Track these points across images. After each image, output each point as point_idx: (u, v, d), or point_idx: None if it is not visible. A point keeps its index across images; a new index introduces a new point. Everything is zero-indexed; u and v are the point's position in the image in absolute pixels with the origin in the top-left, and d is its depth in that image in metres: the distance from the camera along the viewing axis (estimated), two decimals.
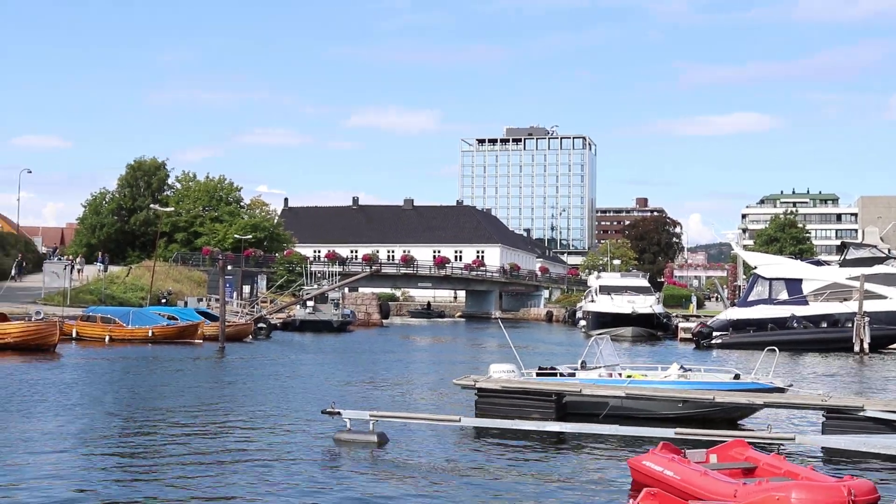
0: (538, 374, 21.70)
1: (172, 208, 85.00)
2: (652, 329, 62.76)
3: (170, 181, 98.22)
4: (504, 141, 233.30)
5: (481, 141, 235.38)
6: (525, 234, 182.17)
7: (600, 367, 22.13)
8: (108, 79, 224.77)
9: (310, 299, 65.82)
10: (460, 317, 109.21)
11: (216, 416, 20.41)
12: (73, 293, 55.12)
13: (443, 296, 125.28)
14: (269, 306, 66.74)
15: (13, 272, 61.25)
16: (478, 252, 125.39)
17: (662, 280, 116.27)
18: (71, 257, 73.85)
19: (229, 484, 13.50)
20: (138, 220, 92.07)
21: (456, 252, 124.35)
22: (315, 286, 71.17)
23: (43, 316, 39.95)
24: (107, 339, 43.00)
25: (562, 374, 21.68)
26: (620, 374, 21.88)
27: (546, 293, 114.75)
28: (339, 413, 17.22)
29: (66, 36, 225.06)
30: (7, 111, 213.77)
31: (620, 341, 49.80)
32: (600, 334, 26.50)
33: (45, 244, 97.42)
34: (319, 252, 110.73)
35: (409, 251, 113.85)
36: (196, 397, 23.83)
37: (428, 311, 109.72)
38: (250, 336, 50.99)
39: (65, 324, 42.11)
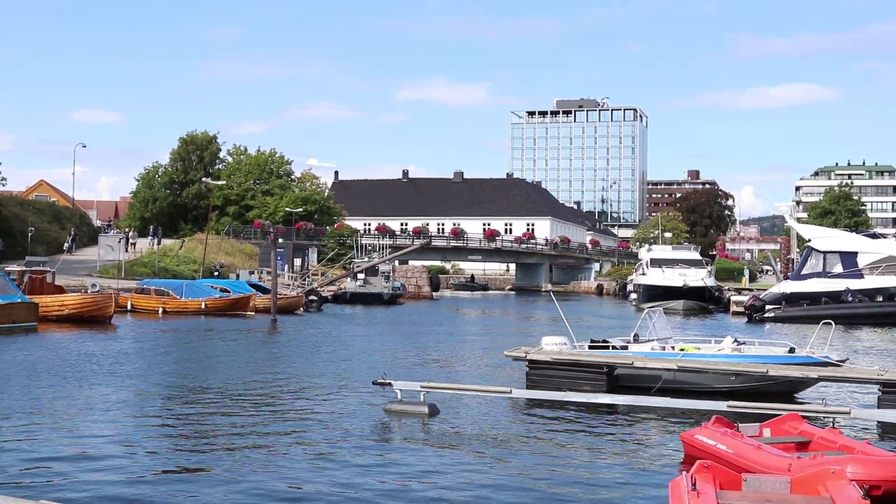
0: (590, 347, 21.63)
1: (224, 182, 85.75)
2: (703, 302, 62.25)
3: (221, 155, 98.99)
4: (554, 113, 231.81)
5: (531, 113, 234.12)
6: (575, 206, 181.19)
7: (653, 341, 21.99)
8: (159, 53, 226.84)
9: (360, 272, 66.19)
10: (510, 290, 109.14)
11: (268, 388, 20.62)
12: (128, 266, 55.92)
13: (493, 269, 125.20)
14: (320, 279, 67.20)
15: (67, 245, 61.99)
16: (528, 225, 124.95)
17: (714, 253, 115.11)
18: (126, 230, 74.70)
19: (282, 454, 13.65)
20: (190, 194, 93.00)
21: (506, 225, 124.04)
22: (365, 259, 71.52)
23: (98, 288, 40.68)
24: (160, 311, 43.61)
25: (614, 347, 21.59)
26: (673, 348, 21.74)
27: (596, 266, 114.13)
28: (389, 384, 17.30)
29: (118, 11, 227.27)
30: (62, 86, 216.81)
31: (672, 315, 49.48)
32: (652, 307, 26.33)
33: (99, 218, 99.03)
34: (370, 225, 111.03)
35: (458, 224, 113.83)
36: (248, 369, 24.09)
37: (471, 283, 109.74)
38: (301, 308, 51.42)
39: (120, 296, 42.79)
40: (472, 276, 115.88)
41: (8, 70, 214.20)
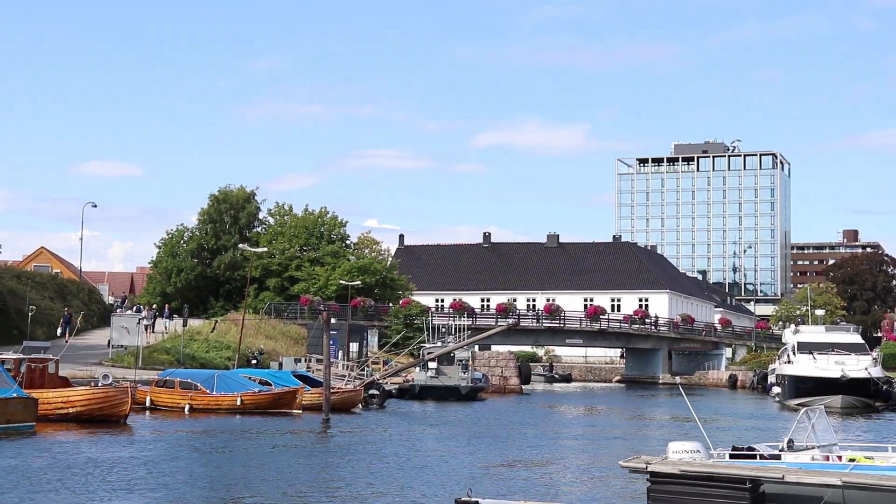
0: (732, 456, 21.04)
1: (264, 249, 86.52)
2: (868, 398, 60.85)
3: (260, 215, 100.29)
4: (672, 160, 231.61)
5: (643, 161, 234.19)
6: (700, 277, 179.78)
7: (813, 448, 21.33)
8: (184, 93, 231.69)
9: (432, 360, 65.98)
10: (619, 381, 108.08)
11: None
12: (146, 353, 56.50)
13: (596, 356, 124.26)
14: (382, 368, 67.14)
15: (60, 330, 61.46)
16: (640, 300, 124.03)
17: (880, 335, 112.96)
18: (151, 307, 75.47)
19: None
20: (223, 264, 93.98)
21: (613, 301, 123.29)
22: (438, 343, 71.30)
23: (111, 381, 40.94)
24: (186, 408, 43.78)
25: (762, 456, 20.97)
26: (840, 458, 21.04)
27: (728, 352, 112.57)
28: (476, 502, 17.01)
29: (133, 44, 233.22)
30: (68, 133, 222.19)
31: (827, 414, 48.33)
32: (801, 404, 25.64)
33: (111, 293, 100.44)
34: (443, 301, 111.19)
35: (553, 300, 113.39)
36: (294, 483, 23.91)
37: (548, 373, 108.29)
38: (360, 405, 51.28)
39: (137, 390, 43.08)
40: (551, 364, 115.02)
41: (4, 112, 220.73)
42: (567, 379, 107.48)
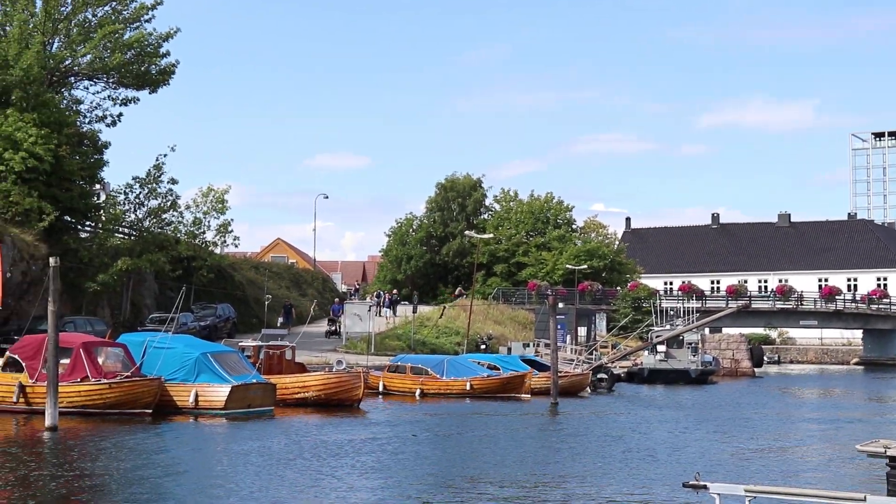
0: None
1: (491, 235, 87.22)
2: None
3: (487, 202, 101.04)
4: None
5: (878, 135, 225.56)
6: None
7: None
8: (409, 85, 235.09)
9: (661, 343, 65.38)
10: (857, 363, 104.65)
11: (548, 489, 20.50)
12: (379, 339, 57.74)
13: (832, 337, 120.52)
14: (610, 352, 66.87)
15: (281, 321, 62.43)
16: (879, 280, 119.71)
17: None
18: (391, 294, 76.92)
19: None
20: (451, 251, 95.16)
21: (849, 280, 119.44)
22: (667, 326, 70.60)
23: (345, 366, 42.05)
24: (417, 392, 44.63)
25: None
26: None
27: None
28: (704, 486, 16.71)
29: (358, 39, 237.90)
30: (300, 128, 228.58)
31: None
32: None
33: (344, 281, 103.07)
34: (671, 284, 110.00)
35: (786, 280, 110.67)
36: (523, 464, 24.08)
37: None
38: (588, 389, 51.24)
39: (370, 375, 44.11)
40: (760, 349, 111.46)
41: (239, 111, 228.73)
42: (776, 361, 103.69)
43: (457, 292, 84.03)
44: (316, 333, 59.81)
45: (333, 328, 62.36)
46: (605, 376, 55.07)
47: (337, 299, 71.09)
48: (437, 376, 45.83)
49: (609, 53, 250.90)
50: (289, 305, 64.25)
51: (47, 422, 27.62)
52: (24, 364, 32.63)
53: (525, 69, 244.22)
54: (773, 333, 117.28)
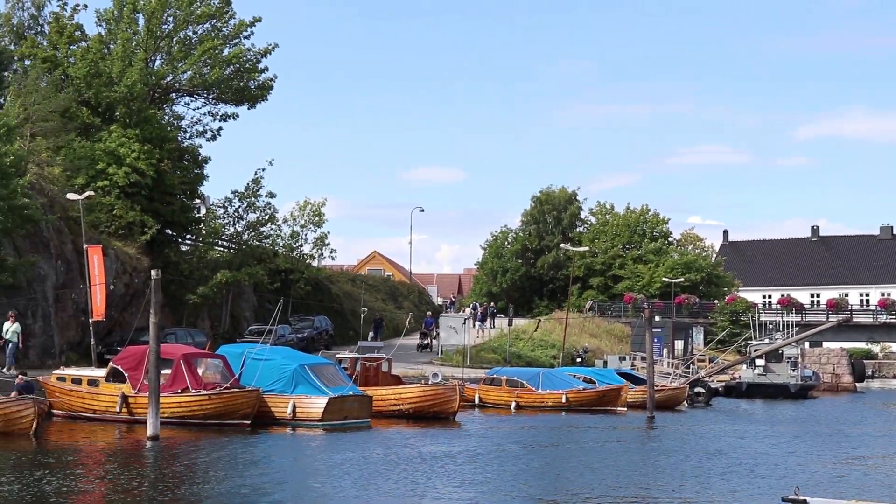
0: None
1: (586, 248, 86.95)
2: None
3: (582, 215, 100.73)
4: None
5: None
6: None
7: None
8: (502, 98, 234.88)
9: (759, 357, 64.58)
10: None
11: (643, 502, 20.38)
12: (474, 352, 57.83)
13: None
14: (707, 366, 66.24)
15: (371, 335, 61.33)
16: None
17: None
18: (481, 307, 76.97)
19: None
20: (546, 263, 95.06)
21: None
22: (765, 340, 69.69)
23: (441, 379, 42.20)
24: (513, 405, 44.58)
25: None
26: None
27: None
28: (804, 501, 16.57)
29: (449, 56, 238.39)
30: (397, 142, 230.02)
31: None
32: None
33: (440, 294, 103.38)
34: (769, 297, 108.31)
35: (889, 294, 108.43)
36: (620, 477, 23.98)
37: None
38: (685, 403, 50.83)
39: (465, 388, 44.18)
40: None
41: (336, 126, 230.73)
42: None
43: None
44: (410, 346, 60.10)
45: (426, 342, 62.53)
46: (702, 390, 54.57)
47: (429, 312, 71.29)
48: (533, 389, 45.75)
49: (704, 66, 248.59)
50: (379, 319, 64.48)
51: (149, 431, 28.08)
52: (126, 375, 33.22)
53: (619, 82, 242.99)
54: (876, 348, 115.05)
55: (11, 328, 36.37)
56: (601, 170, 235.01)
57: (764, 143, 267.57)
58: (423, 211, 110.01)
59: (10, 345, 35.92)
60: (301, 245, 60.15)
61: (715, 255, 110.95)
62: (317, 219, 59.74)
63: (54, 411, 32.93)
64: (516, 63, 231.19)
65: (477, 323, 69.42)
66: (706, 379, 58.65)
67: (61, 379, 34.56)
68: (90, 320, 40.04)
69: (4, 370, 34.79)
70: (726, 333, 75.89)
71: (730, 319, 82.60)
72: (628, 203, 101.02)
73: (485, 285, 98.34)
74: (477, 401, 45.46)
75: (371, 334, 61.35)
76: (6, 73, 50.48)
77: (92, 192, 43.80)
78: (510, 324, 66.77)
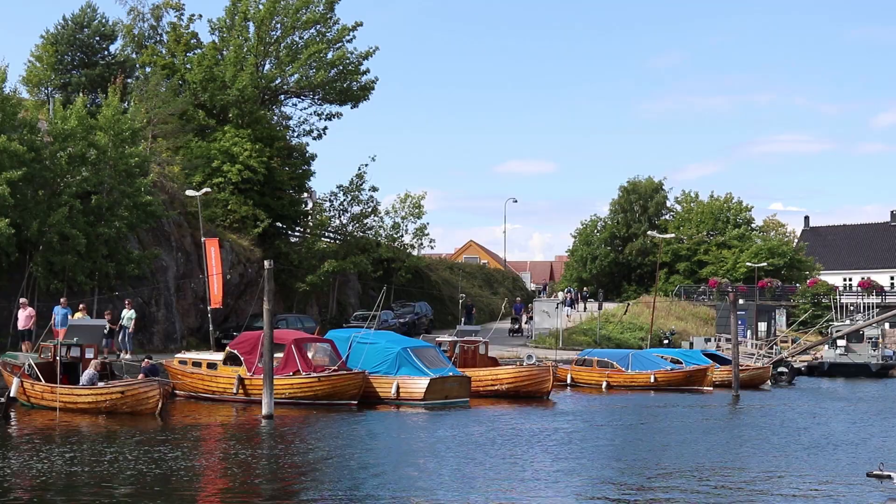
0: None
1: (672, 235, 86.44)
2: None
3: (668, 203, 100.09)
4: None
5: None
6: None
7: None
8: (592, 92, 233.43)
9: (840, 338, 63.49)
10: None
11: (730, 477, 20.21)
12: (566, 334, 57.73)
13: None
14: (790, 347, 65.34)
15: (463, 320, 60.59)
16: None
17: None
18: (572, 292, 76.87)
19: None
20: (634, 250, 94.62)
21: None
22: (847, 322, 68.54)
23: (535, 360, 42.26)
24: (604, 385, 44.47)
25: None
26: None
27: None
28: (889, 476, 16.34)
29: (542, 53, 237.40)
30: (491, 137, 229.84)
31: None
32: None
33: (533, 280, 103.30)
34: (850, 280, 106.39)
35: None
36: (707, 454, 23.78)
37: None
38: (768, 382, 50.25)
39: (558, 368, 44.18)
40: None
41: (433, 122, 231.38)
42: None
43: None
44: (504, 330, 60.14)
45: (516, 326, 62.43)
46: (785, 370, 53.87)
47: (518, 299, 71.16)
48: (623, 369, 45.60)
49: (782, 56, 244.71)
50: (470, 306, 64.64)
51: (264, 411, 28.50)
52: (242, 358, 33.75)
53: (702, 74, 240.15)
54: None
55: (127, 315, 37.08)
56: (686, 160, 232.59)
57: (843, 131, 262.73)
58: (516, 202, 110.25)
59: (125, 330, 36.64)
60: (402, 235, 60.55)
61: (796, 241, 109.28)
62: (416, 211, 60.07)
63: (176, 392, 33.53)
64: (606, 58, 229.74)
65: (567, 308, 69.28)
66: (789, 359, 57.80)
67: (182, 362, 35.25)
68: (208, 308, 40.75)
69: (126, 355, 35.48)
70: (808, 315, 74.80)
71: (811, 302, 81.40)
72: (712, 191, 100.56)
73: (575, 271, 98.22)
74: (569, 381, 45.42)
75: (463, 320, 61.52)
76: (129, 80, 51.45)
77: (208, 189, 44.61)
78: (600, 308, 66.54)
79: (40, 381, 29.23)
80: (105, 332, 33.92)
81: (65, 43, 51.12)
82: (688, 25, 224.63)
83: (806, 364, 62.36)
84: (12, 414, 28.02)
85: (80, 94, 43.34)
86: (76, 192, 38.34)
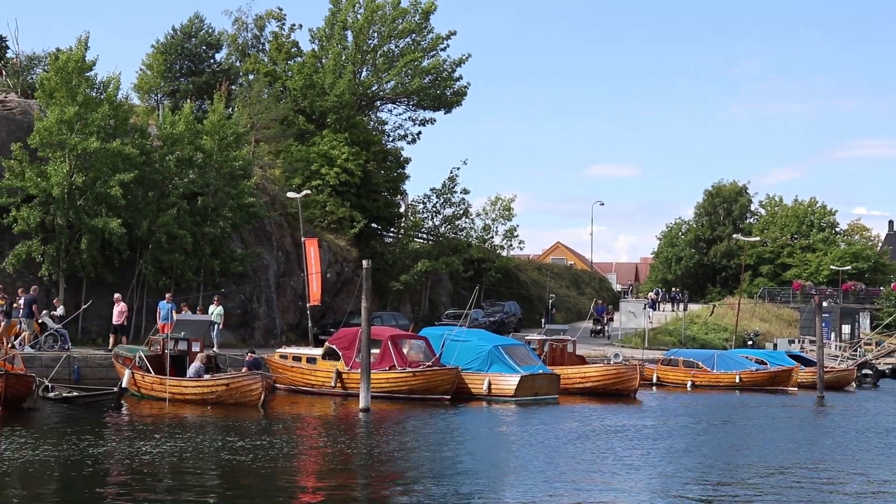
0: None
1: (757, 238, 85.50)
2: None
3: (752, 207, 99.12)
4: None
5: None
6: None
7: None
8: (677, 97, 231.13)
9: None
10: None
11: (814, 477, 19.99)
12: (652, 334, 57.33)
13: None
14: (874, 349, 64.14)
15: (544, 320, 59.42)
16: None
17: None
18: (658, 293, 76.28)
19: None
20: (718, 252, 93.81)
21: None
22: None
23: (622, 359, 42.05)
24: (689, 384, 44.04)
25: None
26: None
27: None
28: None
29: (625, 59, 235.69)
30: (579, 140, 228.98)
31: None
32: None
33: (619, 281, 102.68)
34: None
35: None
36: (797, 451, 23.56)
37: None
38: (852, 384, 49.36)
39: (644, 368, 43.87)
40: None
41: (522, 127, 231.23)
42: None
43: None
44: (588, 330, 59.89)
45: (599, 328, 62.08)
46: (869, 372, 52.86)
47: (600, 301, 70.51)
48: (708, 369, 45.12)
49: (870, 63, 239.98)
50: (551, 306, 64.41)
51: (361, 404, 28.83)
52: (340, 353, 34.11)
53: (786, 79, 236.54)
54: None
55: (216, 311, 37.36)
56: (770, 164, 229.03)
57: None
58: (602, 204, 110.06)
59: (214, 325, 37.04)
60: (492, 237, 60.58)
61: (881, 245, 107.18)
62: (506, 213, 60.04)
63: (277, 385, 33.98)
64: (692, 62, 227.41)
65: (649, 309, 68.72)
66: (873, 361, 56.75)
67: (283, 357, 35.75)
68: (307, 304, 41.27)
69: (215, 349, 35.88)
70: (893, 319, 73.30)
71: (895, 305, 79.76)
72: (796, 195, 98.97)
73: (660, 273, 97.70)
74: (655, 380, 45.06)
75: (543, 320, 61.29)
76: (234, 88, 52.25)
77: (308, 191, 45.18)
78: (685, 309, 65.97)
79: (150, 372, 29.89)
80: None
81: (174, 52, 52.03)
82: (772, 30, 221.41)
83: (890, 367, 61.14)
84: (124, 403, 28.71)
85: (188, 101, 44.09)
86: (183, 193, 39.15)
